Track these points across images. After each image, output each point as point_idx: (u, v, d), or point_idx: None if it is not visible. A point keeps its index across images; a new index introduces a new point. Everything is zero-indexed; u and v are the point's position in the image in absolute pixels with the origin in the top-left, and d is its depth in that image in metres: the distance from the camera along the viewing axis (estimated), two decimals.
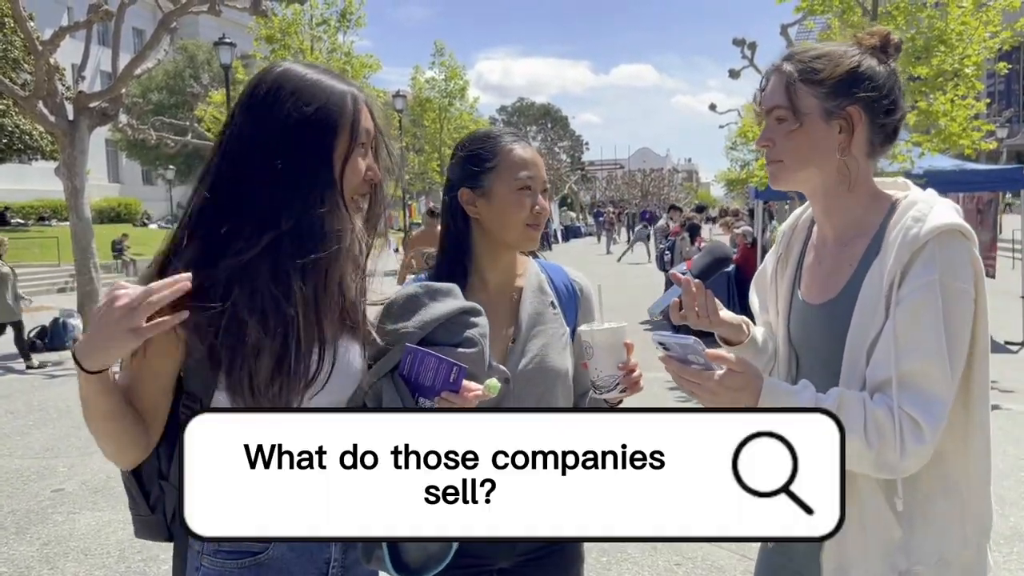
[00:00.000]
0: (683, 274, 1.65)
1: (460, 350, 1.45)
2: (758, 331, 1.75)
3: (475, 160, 1.73)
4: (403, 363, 1.42)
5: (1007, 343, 9.32)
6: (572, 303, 1.83)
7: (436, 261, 1.81)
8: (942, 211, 1.39)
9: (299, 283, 1.33)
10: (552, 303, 1.80)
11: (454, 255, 1.77)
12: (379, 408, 1.37)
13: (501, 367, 1.69)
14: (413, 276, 1.85)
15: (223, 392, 1.33)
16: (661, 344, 1.39)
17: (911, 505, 1.42)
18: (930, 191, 1.49)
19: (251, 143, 1.35)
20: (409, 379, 1.41)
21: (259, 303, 1.30)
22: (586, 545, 1.93)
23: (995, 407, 6.51)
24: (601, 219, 37.78)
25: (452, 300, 1.51)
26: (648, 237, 27.02)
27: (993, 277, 11.19)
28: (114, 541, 4.46)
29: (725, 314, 1.63)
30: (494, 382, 1.43)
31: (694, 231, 12.68)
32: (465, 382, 1.37)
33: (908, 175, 9.00)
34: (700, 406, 1.39)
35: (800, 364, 1.59)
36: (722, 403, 1.35)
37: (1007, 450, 5.50)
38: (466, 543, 1.67)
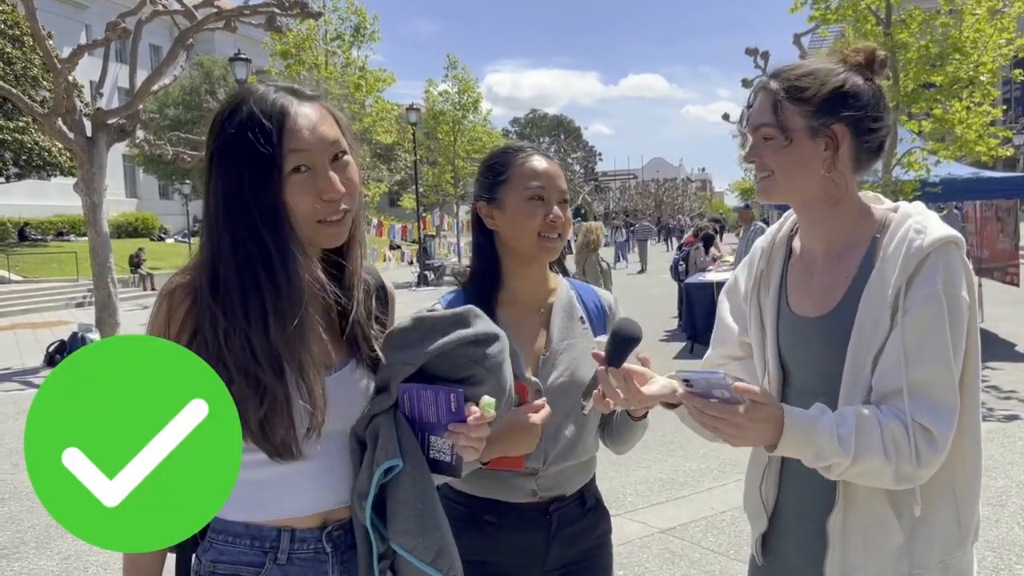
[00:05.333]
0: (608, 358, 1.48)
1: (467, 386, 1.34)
2: None
3: (491, 173, 1.79)
4: (401, 404, 1.34)
5: None
6: (601, 320, 1.86)
7: (469, 275, 1.83)
8: (938, 223, 1.44)
9: (268, 325, 1.25)
10: (581, 318, 1.83)
11: (484, 268, 1.80)
12: None
13: (534, 379, 1.72)
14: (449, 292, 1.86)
15: None
16: (685, 381, 1.37)
17: (913, 510, 1.44)
18: (917, 203, 1.53)
19: (211, 187, 1.29)
20: (413, 419, 1.34)
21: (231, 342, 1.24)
22: None
23: (1015, 417, 6.44)
24: (634, 229, 32.98)
25: (461, 328, 1.37)
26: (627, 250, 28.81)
27: (1017, 286, 11.06)
28: None
29: (652, 388, 1.47)
30: (488, 399, 1.31)
31: (708, 241, 12.64)
32: (467, 406, 1.29)
33: (924, 183, 8.95)
34: None
35: (790, 379, 1.58)
36: (747, 436, 1.33)
37: None
38: (495, 559, 1.71)
